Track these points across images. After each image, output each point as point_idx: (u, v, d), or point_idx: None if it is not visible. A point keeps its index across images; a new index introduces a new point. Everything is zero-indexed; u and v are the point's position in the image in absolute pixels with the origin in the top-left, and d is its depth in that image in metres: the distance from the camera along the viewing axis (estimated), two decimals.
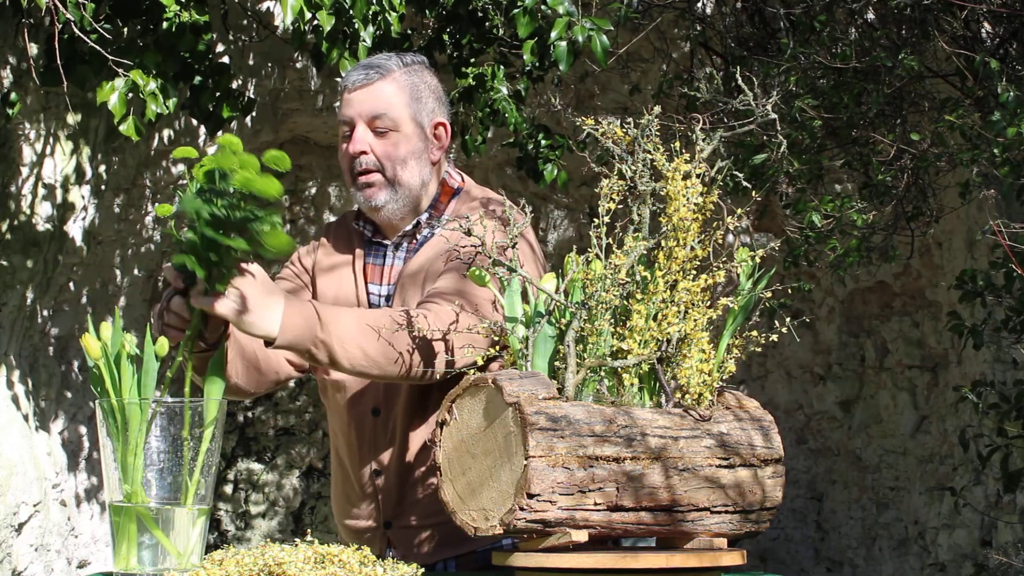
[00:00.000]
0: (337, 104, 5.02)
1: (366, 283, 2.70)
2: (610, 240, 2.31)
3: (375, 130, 2.61)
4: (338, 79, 4.94)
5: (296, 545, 2.13)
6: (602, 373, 2.27)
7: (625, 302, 2.29)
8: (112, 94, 3.36)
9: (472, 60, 3.99)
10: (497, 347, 2.33)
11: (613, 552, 2.19)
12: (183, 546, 2.17)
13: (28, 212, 3.98)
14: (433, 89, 2.68)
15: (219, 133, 4.49)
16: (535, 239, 2.73)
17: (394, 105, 2.61)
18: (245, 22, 4.58)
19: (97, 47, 3.32)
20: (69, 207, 4.14)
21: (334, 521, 2.81)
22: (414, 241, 2.67)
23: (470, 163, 5.12)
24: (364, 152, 2.60)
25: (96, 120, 4.15)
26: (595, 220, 2.31)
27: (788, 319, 2.47)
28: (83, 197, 4.20)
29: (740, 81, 2.45)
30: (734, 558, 2.20)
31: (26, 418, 4.08)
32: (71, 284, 4.32)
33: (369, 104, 2.60)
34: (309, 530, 3.07)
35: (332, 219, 5.50)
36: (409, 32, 4.06)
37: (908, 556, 5.19)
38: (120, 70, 3.36)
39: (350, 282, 2.70)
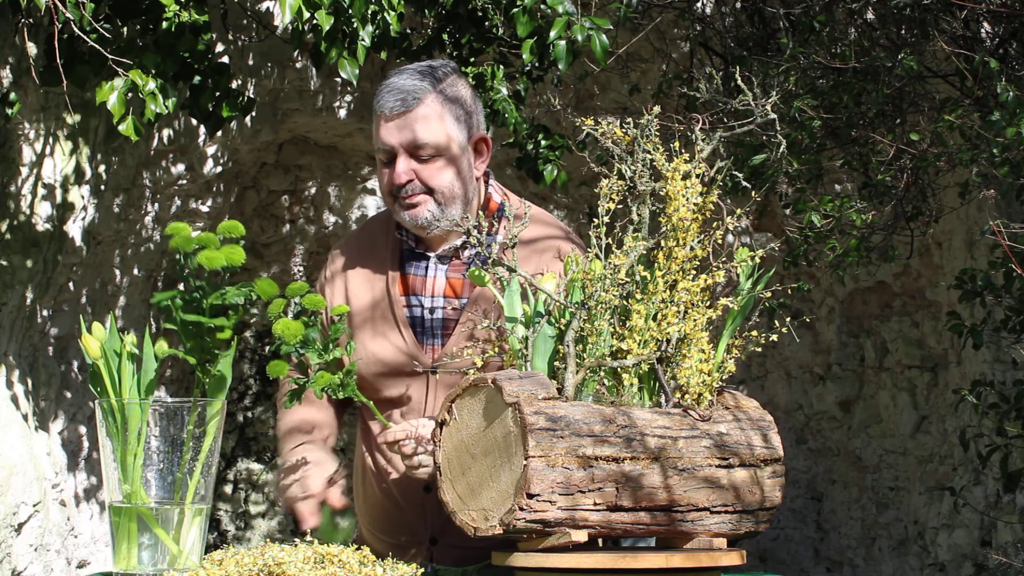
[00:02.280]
0: (342, 106, 5.02)
1: (406, 295, 2.67)
2: (610, 240, 2.31)
3: (418, 158, 2.58)
4: (337, 79, 4.94)
5: (296, 545, 2.13)
6: (602, 373, 2.27)
7: (625, 302, 2.28)
8: (111, 94, 3.36)
9: (472, 60, 3.99)
10: None
11: (613, 552, 2.19)
12: (182, 546, 2.17)
13: (28, 212, 3.98)
14: (470, 101, 2.65)
15: (219, 133, 4.49)
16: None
17: (436, 131, 2.57)
18: (245, 22, 4.57)
19: (97, 47, 3.32)
20: (69, 207, 4.14)
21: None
22: (459, 254, 2.65)
23: None
24: (410, 181, 2.58)
25: (96, 120, 4.15)
26: (595, 220, 2.31)
27: (788, 319, 2.47)
28: (83, 197, 4.20)
29: (740, 81, 2.45)
30: (733, 558, 2.20)
31: (26, 418, 4.07)
32: (71, 284, 4.32)
33: (410, 133, 2.56)
34: (308, 531, 3.06)
35: (332, 219, 5.51)
36: (408, 32, 4.06)
37: (908, 556, 5.19)
38: (120, 70, 3.36)
39: (385, 297, 2.66)
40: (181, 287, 2.22)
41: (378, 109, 2.60)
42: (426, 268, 2.66)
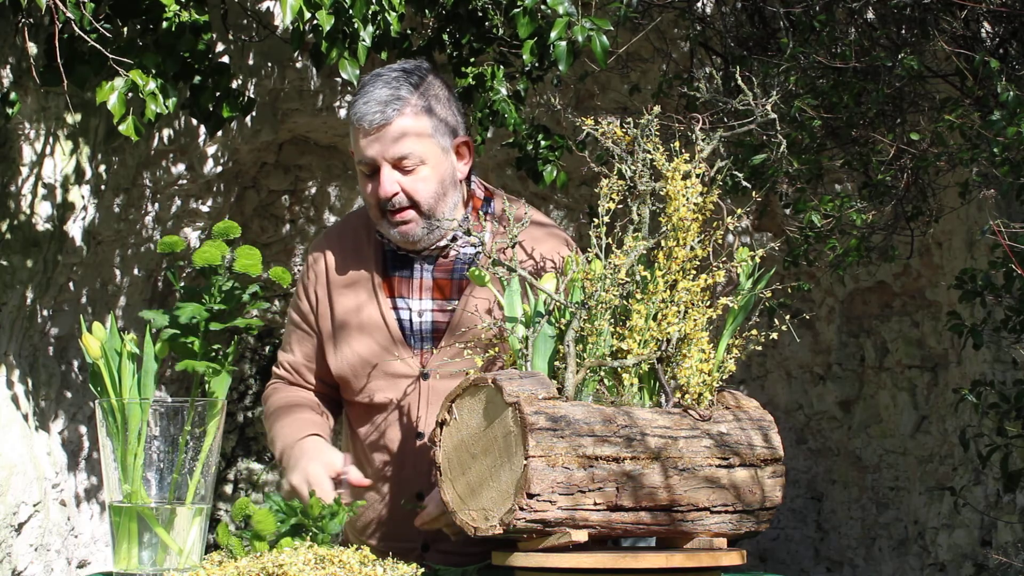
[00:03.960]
0: (342, 106, 5.02)
1: (392, 296, 2.65)
2: (610, 240, 2.31)
3: (402, 169, 2.53)
4: (337, 79, 4.94)
5: (295, 546, 2.13)
6: (602, 373, 2.27)
7: (625, 302, 2.29)
8: (112, 94, 3.36)
9: (472, 60, 3.99)
10: None
11: (613, 552, 2.19)
12: (182, 546, 2.17)
13: (28, 212, 3.98)
14: (448, 103, 2.60)
15: (219, 132, 4.49)
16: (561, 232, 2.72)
17: (417, 142, 2.53)
18: (245, 22, 4.57)
19: (97, 47, 3.32)
20: (69, 207, 4.14)
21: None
22: (446, 253, 2.63)
23: None
24: (396, 194, 2.54)
25: (96, 120, 4.15)
26: (595, 220, 2.31)
27: (788, 318, 2.47)
28: (83, 197, 4.20)
29: (740, 81, 2.45)
30: (734, 558, 2.20)
31: (26, 418, 4.07)
32: (71, 284, 4.32)
33: (392, 145, 2.52)
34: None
35: (332, 219, 5.51)
36: (409, 32, 4.06)
37: (908, 556, 5.19)
38: (120, 70, 3.36)
39: (371, 300, 2.64)
40: (174, 300, 2.23)
41: (356, 121, 2.54)
42: (411, 270, 2.64)
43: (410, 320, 2.62)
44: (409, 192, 2.54)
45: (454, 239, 2.61)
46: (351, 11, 3.33)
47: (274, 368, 2.81)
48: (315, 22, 3.32)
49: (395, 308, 2.62)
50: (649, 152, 2.30)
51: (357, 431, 2.70)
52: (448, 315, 2.60)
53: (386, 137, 2.52)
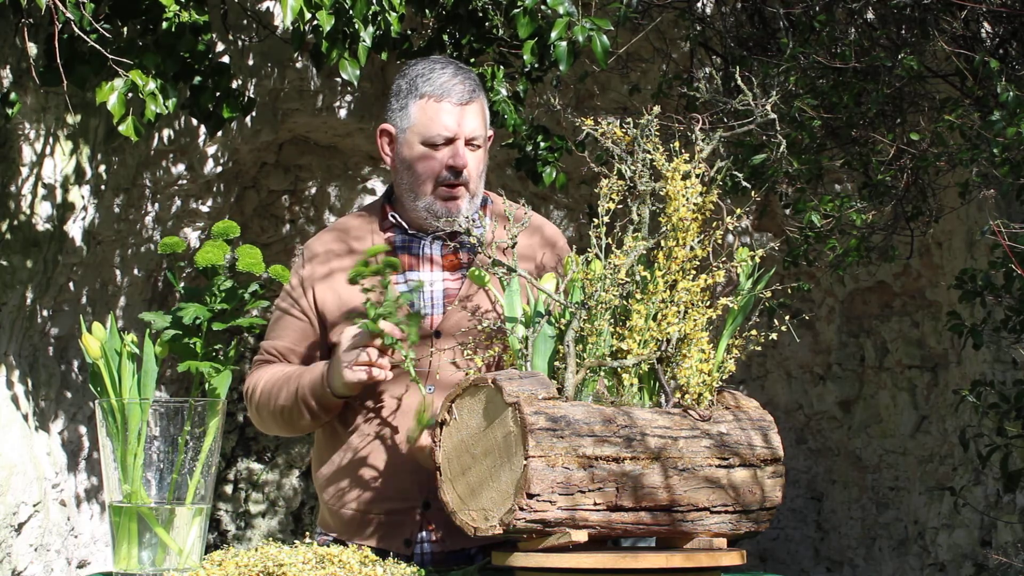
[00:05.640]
0: (342, 106, 5.02)
1: (402, 272, 2.69)
2: (610, 240, 2.31)
3: (471, 147, 2.66)
4: (337, 79, 4.94)
5: (296, 546, 2.13)
6: (602, 373, 2.27)
7: (625, 302, 2.29)
8: (111, 94, 3.36)
9: (472, 60, 3.99)
10: None
11: (613, 552, 2.19)
12: (182, 546, 2.17)
13: (28, 212, 3.99)
14: None
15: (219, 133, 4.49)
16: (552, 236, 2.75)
17: (485, 124, 2.69)
18: (245, 22, 4.58)
19: (97, 47, 3.32)
20: (69, 207, 4.15)
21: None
22: (451, 237, 2.69)
23: None
24: (466, 166, 2.65)
25: (96, 120, 4.15)
26: (595, 220, 2.31)
27: (788, 319, 2.47)
28: (83, 197, 4.20)
29: (740, 81, 2.45)
30: (733, 558, 2.20)
31: (26, 418, 4.08)
32: (71, 284, 4.32)
33: (473, 123, 2.65)
34: (308, 531, 3.07)
35: (332, 219, 5.51)
36: (409, 32, 4.06)
37: (908, 556, 5.19)
38: (120, 70, 3.36)
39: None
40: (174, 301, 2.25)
41: (443, 94, 2.65)
42: (419, 248, 2.70)
43: (421, 290, 2.67)
44: (469, 169, 2.66)
45: (475, 240, 2.65)
46: (351, 12, 3.34)
47: (256, 357, 2.83)
48: (315, 22, 3.33)
49: (406, 282, 2.67)
50: (649, 152, 2.31)
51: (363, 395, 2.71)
52: (460, 281, 2.66)
53: (469, 112, 2.65)
